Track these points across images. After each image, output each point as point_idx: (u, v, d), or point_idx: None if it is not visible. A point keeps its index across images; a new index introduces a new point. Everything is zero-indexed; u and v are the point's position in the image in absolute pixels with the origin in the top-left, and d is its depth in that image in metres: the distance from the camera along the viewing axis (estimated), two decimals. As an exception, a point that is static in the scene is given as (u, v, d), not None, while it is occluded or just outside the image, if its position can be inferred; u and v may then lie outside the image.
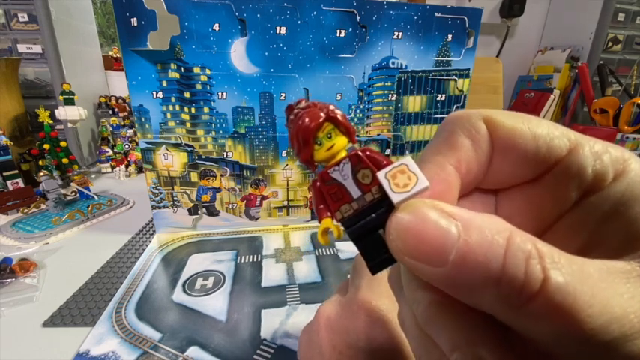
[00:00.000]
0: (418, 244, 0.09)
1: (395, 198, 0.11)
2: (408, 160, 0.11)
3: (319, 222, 0.13)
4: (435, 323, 0.10)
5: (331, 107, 0.13)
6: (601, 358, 0.08)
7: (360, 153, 0.12)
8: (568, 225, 0.12)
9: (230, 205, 0.53)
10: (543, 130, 0.11)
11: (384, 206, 0.11)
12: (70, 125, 0.71)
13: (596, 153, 0.11)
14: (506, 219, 0.09)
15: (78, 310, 0.35)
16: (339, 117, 0.13)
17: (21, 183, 0.62)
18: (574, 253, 0.09)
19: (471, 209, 0.10)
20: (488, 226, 0.09)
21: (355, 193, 0.12)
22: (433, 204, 0.10)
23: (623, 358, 0.08)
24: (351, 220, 0.12)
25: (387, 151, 0.54)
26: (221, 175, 0.50)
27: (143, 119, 0.46)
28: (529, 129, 0.11)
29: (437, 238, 0.09)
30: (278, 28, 0.44)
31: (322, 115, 0.12)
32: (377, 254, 0.12)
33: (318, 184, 0.13)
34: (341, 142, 0.13)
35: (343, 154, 0.13)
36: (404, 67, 0.50)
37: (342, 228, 0.13)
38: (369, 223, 0.12)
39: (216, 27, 0.43)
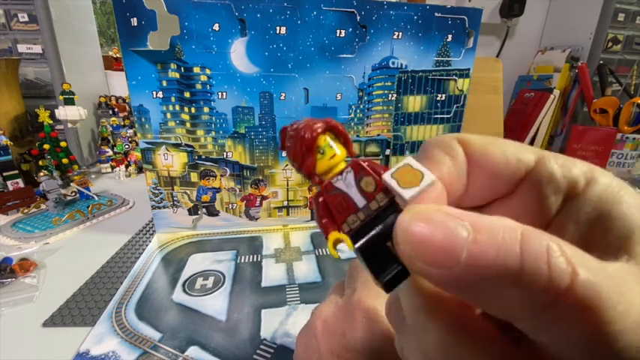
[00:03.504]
0: (426, 246, 0.09)
1: (406, 194, 0.11)
2: (409, 159, 0.11)
3: (326, 237, 0.13)
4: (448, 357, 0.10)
5: (328, 119, 0.13)
6: None
7: (361, 162, 0.12)
8: (557, 230, 0.12)
9: (230, 205, 0.53)
10: (510, 147, 0.12)
11: (390, 214, 0.11)
12: (70, 125, 0.71)
13: (562, 164, 0.12)
14: None
15: (78, 310, 0.35)
16: (339, 127, 0.13)
17: (21, 183, 0.62)
18: None
19: None
20: (499, 225, 0.09)
21: (360, 201, 0.12)
22: (439, 207, 0.10)
23: None
24: (358, 233, 0.12)
25: (387, 151, 0.54)
26: (221, 175, 0.50)
27: (143, 119, 0.46)
28: (498, 146, 0.12)
29: (445, 239, 0.09)
30: (278, 28, 0.44)
31: (322, 124, 0.13)
32: (388, 268, 0.11)
33: (320, 199, 0.13)
34: (342, 151, 0.13)
35: (343, 164, 0.13)
36: (404, 67, 0.50)
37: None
38: (377, 236, 0.11)
39: (216, 27, 0.43)
